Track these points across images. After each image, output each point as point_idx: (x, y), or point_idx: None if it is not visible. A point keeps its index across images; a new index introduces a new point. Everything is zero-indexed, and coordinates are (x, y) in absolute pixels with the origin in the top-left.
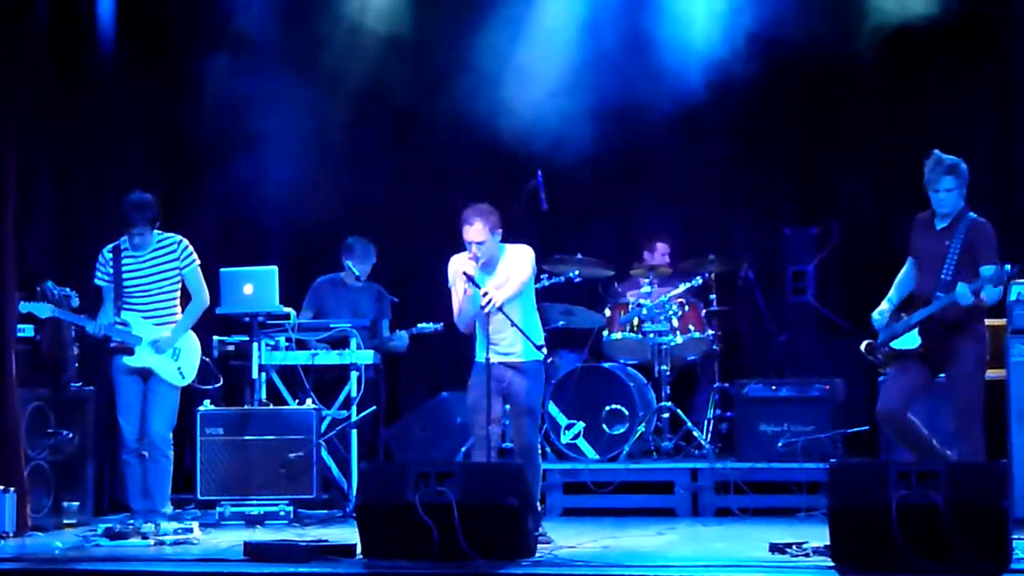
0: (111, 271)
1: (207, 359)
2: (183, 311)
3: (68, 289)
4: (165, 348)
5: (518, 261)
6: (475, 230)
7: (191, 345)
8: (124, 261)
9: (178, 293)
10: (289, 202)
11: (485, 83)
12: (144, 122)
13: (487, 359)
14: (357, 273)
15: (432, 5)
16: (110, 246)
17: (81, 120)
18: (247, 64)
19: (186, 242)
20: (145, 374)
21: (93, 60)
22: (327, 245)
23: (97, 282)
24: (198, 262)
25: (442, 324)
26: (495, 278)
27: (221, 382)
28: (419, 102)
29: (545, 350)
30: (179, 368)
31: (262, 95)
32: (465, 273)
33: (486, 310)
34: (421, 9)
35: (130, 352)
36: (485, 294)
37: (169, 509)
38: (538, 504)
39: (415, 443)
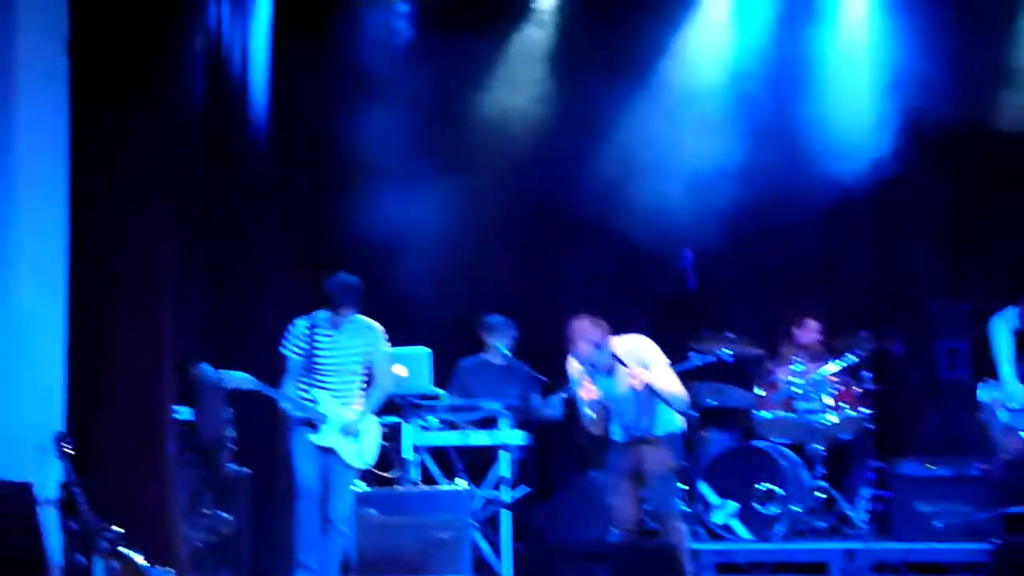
0: (305, 346)
1: (387, 444)
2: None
3: (223, 370)
4: (352, 431)
5: (648, 355)
6: (580, 351)
7: (372, 428)
8: (318, 338)
9: (364, 376)
10: (428, 285)
11: (633, 163)
12: (293, 209)
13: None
14: (505, 352)
15: (576, 90)
16: (305, 320)
17: (233, 206)
18: (392, 154)
19: (381, 328)
20: (326, 453)
21: (245, 147)
22: (464, 327)
23: (286, 353)
24: (389, 348)
25: None
26: (619, 376)
27: (402, 470)
28: (564, 183)
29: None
30: (360, 450)
31: (406, 184)
32: (589, 405)
33: (638, 389)
34: (565, 95)
35: (314, 428)
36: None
37: None
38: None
39: (567, 523)
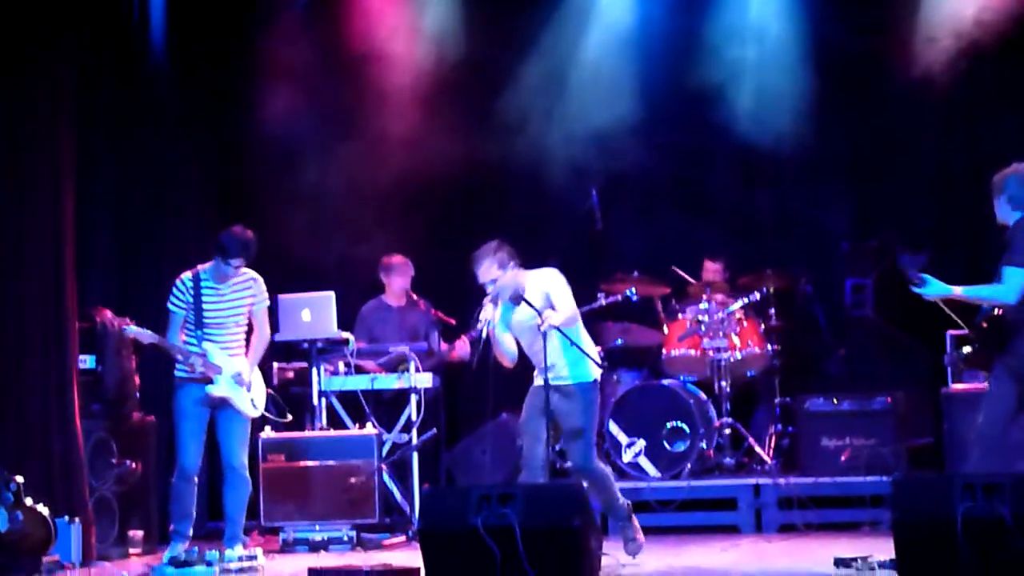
0: (190, 299)
1: (271, 391)
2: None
3: (127, 319)
4: (245, 381)
5: (551, 285)
6: (484, 271)
7: (258, 377)
8: (204, 291)
9: (246, 327)
10: (336, 228)
11: (541, 101)
12: (199, 155)
13: (539, 383)
14: (405, 288)
15: (484, 28)
16: (188, 274)
17: (138, 156)
18: (298, 95)
19: (261, 280)
20: (221, 404)
21: (149, 96)
22: (369, 271)
23: (172, 308)
24: (268, 301)
25: None
26: (525, 308)
27: (289, 417)
28: (472, 124)
29: (600, 370)
30: (252, 399)
31: (312, 128)
32: (485, 319)
33: (543, 330)
34: (472, 33)
35: (209, 381)
36: (539, 313)
37: (244, 537)
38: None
39: (476, 466)
